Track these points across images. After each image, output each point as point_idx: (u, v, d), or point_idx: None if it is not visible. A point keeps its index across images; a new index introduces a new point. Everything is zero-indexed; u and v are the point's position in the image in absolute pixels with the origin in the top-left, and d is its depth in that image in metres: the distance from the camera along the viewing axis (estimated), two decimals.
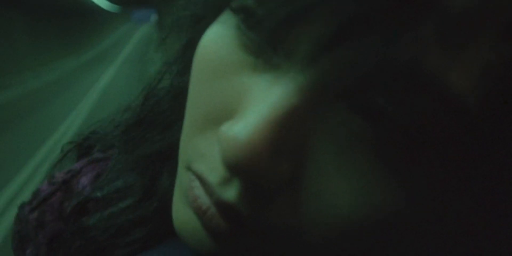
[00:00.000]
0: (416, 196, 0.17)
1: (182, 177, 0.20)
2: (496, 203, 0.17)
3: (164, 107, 0.28)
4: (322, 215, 0.17)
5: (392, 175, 0.16)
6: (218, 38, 0.19)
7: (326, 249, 0.18)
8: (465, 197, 0.17)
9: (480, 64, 0.14)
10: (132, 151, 0.29)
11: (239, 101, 0.17)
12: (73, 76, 10.89)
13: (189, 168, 0.19)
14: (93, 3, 23.51)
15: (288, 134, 0.16)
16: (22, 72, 9.82)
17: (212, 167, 0.18)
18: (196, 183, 0.18)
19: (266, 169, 0.16)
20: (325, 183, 0.17)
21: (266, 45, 0.17)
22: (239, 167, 0.16)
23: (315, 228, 0.17)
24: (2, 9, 10.15)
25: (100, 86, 8.74)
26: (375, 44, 0.14)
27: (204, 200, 0.18)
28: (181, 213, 0.20)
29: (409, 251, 0.19)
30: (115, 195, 0.28)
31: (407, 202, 0.17)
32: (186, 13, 0.25)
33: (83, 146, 0.35)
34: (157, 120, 0.28)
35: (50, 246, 0.30)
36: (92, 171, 0.32)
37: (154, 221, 0.26)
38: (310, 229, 0.17)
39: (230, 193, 0.17)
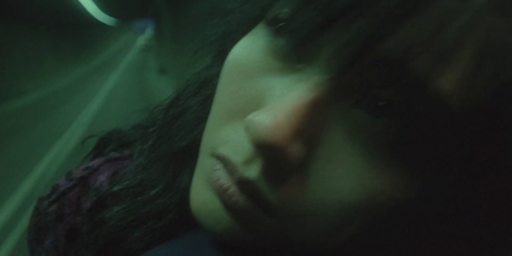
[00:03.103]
0: (412, 185, 0.19)
1: (205, 163, 0.22)
2: (482, 195, 0.19)
3: (191, 111, 0.29)
4: (326, 197, 0.19)
5: (391, 165, 0.18)
6: (249, 45, 0.22)
7: (332, 231, 0.20)
8: (456, 188, 0.19)
9: (463, 71, 0.16)
10: (158, 148, 0.30)
11: (264, 96, 0.20)
12: (81, 82, 11.28)
13: (213, 154, 0.21)
14: (94, 17, 23.88)
15: (306, 122, 0.18)
16: (37, 79, 10.22)
17: (236, 150, 0.20)
18: (219, 166, 0.20)
19: (286, 148, 0.18)
20: (331, 169, 0.19)
21: (293, 52, 0.19)
22: (267, 144, 0.17)
23: (319, 210, 0.19)
24: (31, 28, 10.95)
25: (105, 90, 9.12)
26: (382, 58, 0.16)
27: (225, 180, 0.20)
28: (201, 195, 0.21)
29: (405, 240, 0.21)
30: (136, 189, 0.29)
31: (404, 190, 0.19)
32: (218, 30, 0.28)
33: (104, 142, 0.37)
34: (183, 122, 0.29)
35: (68, 238, 0.31)
36: (109, 169, 0.33)
37: (173, 214, 0.27)
38: (316, 210, 0.19)
39: (252, 171, 0.19)
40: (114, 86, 10.09)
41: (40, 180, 3.49)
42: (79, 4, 18.21)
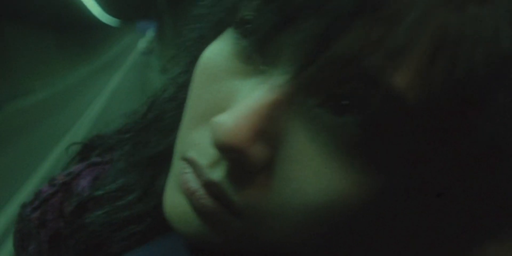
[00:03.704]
0: (376, 184, 0.19)
1: (176, 166, 0.22)
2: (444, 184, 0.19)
3: (167, 115, 0.29)
4: (291, 199, 0.19)
5: (355, 164, 0.18)
6: (217, 49, 0.22)
7: (294, 233, 0.20)
8: (420, 182, 0.19)
9: (417, 67, 0.16)
10: (135, 153, 0.30)
11: (230, 99, 0.20)
12: (86, 81, 11.44)
13: (182, 158, 0.21)
14: (98, 19, 24.11)
15: (267, 123, 0.18)
16: (44, 78, 10.48)
17: (203, 153, 0.20)
18: (188, 169, 0.20)
19: (247, 149, 0.18)
20: (295, 170, 0.19)
21: (256, 52, 0.19)
22: (227, 145, 0.18)
23: (285, 211, 0.19)
24: (37, 29, 11.21)
25: (108, 89, 9.24)
26: (337, 57, 0.17)
27: (193, 183, 0.20)
28: (172, 198, 0.22)
29: (371, 236, 0.20)
30: (116, 193, 0.29)
31: (369, 188, 0.19)
32: (192, 34, 0.28)
33: (87, 148, 0.37)
34: (160, 127, 0.29)
35: (51, 243, 0.31)
36: (90, 173, 0.33)
37: (152, 217, 0.27)
38: (281, 211, 0.19)
39: (217, 174, 0.19)
40: (117, 85, 10.20)
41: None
42: (84, 6, 18.49)
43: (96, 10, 22.65)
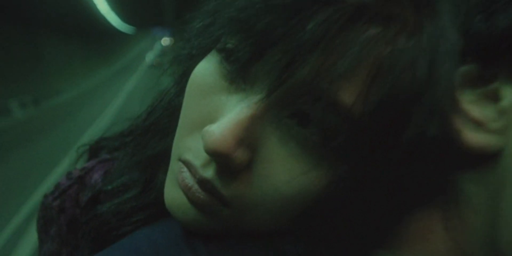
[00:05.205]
0: (332, 176, 0.23)
1: (174, 166, 0.26)
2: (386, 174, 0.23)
3: (163, 122, 0.33)
4: (268, 191, 0.23)
5: (317, 161, 0.23)
6: (205, 69, 0.26)
7: (275, 218, 0.25)
8: (368, 175, 0.23)
9: (360, 88, 0.21)
10: (136, 154, 0.34)
11: (217, 112, 0.24)
12: (106, 83, 12.27)
13: (179, 159, 0.25)
14: (116, 28, 25.16)
15: (246, 133, 0.22)
16: (70, 80, 11.44)
17: (196, 156, 0.24)
18: (184, 169, 0.25)
19: (232, 154, 0.22)
20: (271, 168, 0.23)
21: (238, 76, 0.24)
22: (215, 152, 0.22)
23: (264, 201, 0.24)
24: (64, 36, 12.28)
25: (126, 89, 10.03)
26: (298, 81, 0.21)
27: (189, 180, 0.24)
28: (172, 193, 0.26)
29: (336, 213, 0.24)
30: (122, 188, 0.34)
31: (329, 178, 0.23)
32: (184, 52, 0.31)
33: (94, 148, 0.43)
34: (156, 131, 0.33)
35: (69, 227, 0.37)
36: (102, 168, 0.38)
37: (153, 207, 0.31)
38: (261, 201, 0.24)
39: (209, 172, 0.24)
40: (134, 86, 10.95)
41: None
42: (104, 17, 19.55)
43: (115, 20, 23.82)
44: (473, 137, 0.23)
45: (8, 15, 7.72)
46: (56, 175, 3.52)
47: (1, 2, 7.24)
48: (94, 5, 16.45)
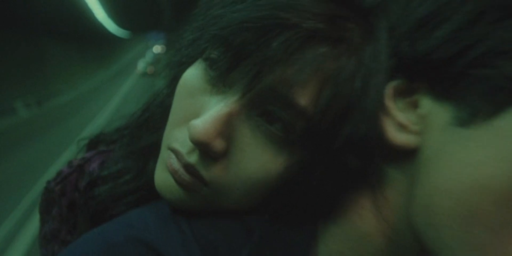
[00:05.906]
0: (294, 162, 0.28)
1: (164, 154, 0.30)
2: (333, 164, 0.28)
3: (155, 117, 0.37)
4: (241, 174, 0.28)
5: (282, 151, 0.27)
6: (192, 75, 0.30)
7: (246, 197, 0.29)
8: (323, 159, 0.28)
9: (312, 92, 0.25)
10: (131, 145, 0.38)
11: (201, 109, 0.28)
12: (102, 85, 12.48)
13: (168, 148, 0.30)
14: (112, 33, 25.55)
15: (224, 126, 0.27)
16: (68, 82, 11.75)
17: (183, 145, 0.29)
18: (173, 156, 0.29)
19: (211, 143, 0.26)
20: (243, 156, 0.28)
21: (219, 81, 0.28)
22: (198, 141, 0.26)
23: (237, 183, 0.28)
24: (63, 42, 12.61)
25: (122, 91, 10.23)
26: (266, 86, 0.26)
27: (176, 165, 0.28)
28: (161, 175, 0.30)
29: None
30: (117, 174, 0.37)
31: (292, 164, 0.28)
32: (175, 59, 0.35)
33: (93, 142, 0.47)
34: (150, 125, 0.38)
35: (69, 208, 0.41)
36: (99, 158, 0.42)
37: (143, 190, 0.35)
38: (235, 183, 0.28)
39: (193, 158, 0.28)
40: (129, 88, 11.20)
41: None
42: (100, 22, 19.89)
43: (110, 26, 24.25)
44: (397, 137, 0.27)
45: (13, 23, 8.19)
46: (57, 167, 3.75)
47: (7, 12, 7.70)
48: (91, 13, 17.01)
